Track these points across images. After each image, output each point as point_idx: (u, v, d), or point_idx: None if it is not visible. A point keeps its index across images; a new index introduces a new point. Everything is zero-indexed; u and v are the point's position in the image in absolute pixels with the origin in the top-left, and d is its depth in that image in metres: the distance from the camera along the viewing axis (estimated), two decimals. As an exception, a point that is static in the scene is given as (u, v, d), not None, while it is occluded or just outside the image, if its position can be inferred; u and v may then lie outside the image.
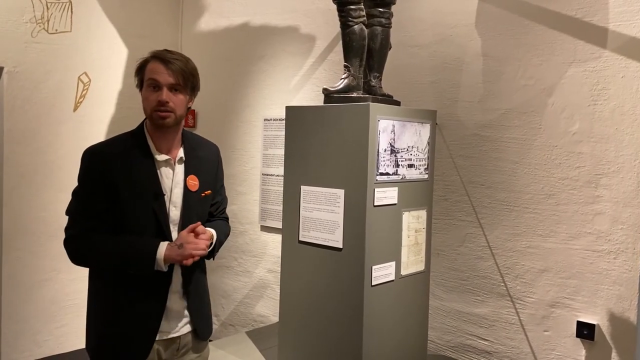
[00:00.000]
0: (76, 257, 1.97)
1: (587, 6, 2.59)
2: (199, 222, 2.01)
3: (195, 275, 2.08)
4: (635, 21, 2.46)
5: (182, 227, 2.01)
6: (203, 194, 2.09)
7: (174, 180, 2.01)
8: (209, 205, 2.18)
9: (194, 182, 2.05)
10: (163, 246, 1.91)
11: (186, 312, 2.05)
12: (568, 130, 2.64)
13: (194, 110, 4.34)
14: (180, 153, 2.05)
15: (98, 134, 3.93)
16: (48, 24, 3.60)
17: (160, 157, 1.99)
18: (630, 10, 2.48)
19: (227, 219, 2.35)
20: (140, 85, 2.00)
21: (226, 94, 4.19)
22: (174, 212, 2.01)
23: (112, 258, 1.91)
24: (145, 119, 2.02)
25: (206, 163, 2.16)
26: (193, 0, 4.41)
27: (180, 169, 2.04)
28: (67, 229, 1.98)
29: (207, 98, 4.25)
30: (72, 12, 3.72)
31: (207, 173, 2.14)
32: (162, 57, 1.95)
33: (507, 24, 2.83)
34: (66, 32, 3.70)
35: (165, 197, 1.98)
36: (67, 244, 1.97)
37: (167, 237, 1.97)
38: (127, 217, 1.91)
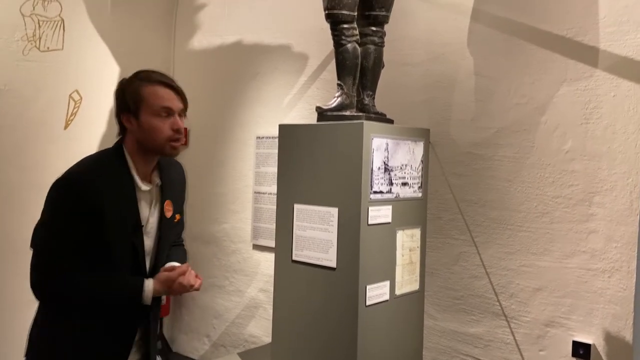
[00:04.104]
0: (57, 299, 1.80)
1: (577, 26, 2.62)
2: (188, 265, 1.97)
3: (155, 322, 2.05)
4: (625, 41, 2.49)
5: (155, 255, 1.97)
6: (175, 220, 2.05)
7: (151, 209, 1.95)
8: (177, 230, 2.15)
9: (169, 208, 1.99)
10: (150, 285, 1.87)
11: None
12: (561, 148, 2.65)
13: (186, 128, 4.31)
14: (157, 178, 1.98)
15: (88, 152, 3.89)
16: (40, 41, 3.59)
17: (144, 187, 1.90)
18: (621, 30, 2.50)
19: (183, 244, 2.31)
20: (132, 111, 1.85)
21: (219, 112, 4.18)
22: (148, 243, 1.94)
23: (99, 298, 1.82)
24: (119, 140, 1.92)
25: (177, 185, 2.10)
26: (186, 19, 4.42)
27: (158, 196, 1.98)
28: (42, 269, 1.75)
29: (200, 116, 4.24)
30: (64, 30, 3.71)
31: (179, 195, 2.10)
32: (168, 82, 1.88)
33: (499, 43, 2.85)
34: (58, 50, 3.69)
35: (143, 227, 1.91)
36: (45, 285, 1.77)
37: (142, 268, 1.91)
38: (106, 251, 1.81)
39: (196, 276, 1.99)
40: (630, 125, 2.47)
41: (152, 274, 1.96)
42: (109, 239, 1.79)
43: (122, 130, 1.93)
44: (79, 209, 1.74)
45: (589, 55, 2.58)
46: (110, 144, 3.78)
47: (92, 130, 3.97)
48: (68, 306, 1.84)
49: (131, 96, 1.84)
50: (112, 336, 1.87)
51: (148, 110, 1.83)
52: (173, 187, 2.05)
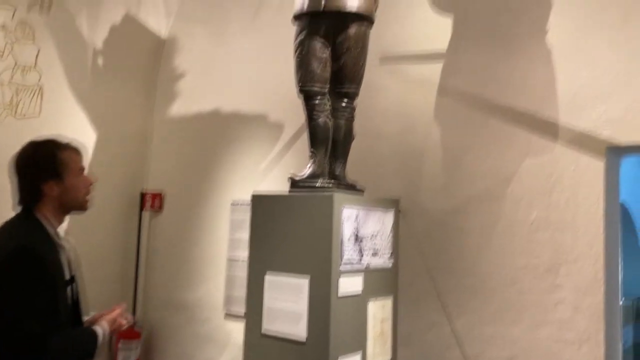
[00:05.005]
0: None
1: (538, 102, 2.76)
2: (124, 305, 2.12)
3: None
4: (582, 117, 2.62)
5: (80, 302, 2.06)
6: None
7: (69, 262, 2.03)
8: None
9: (75, 258, 2.10)
10: (99, 329, 1.98)
11: None
12: (527, 218, 2.72)
13: (160, 193, 4.32)
14: (61, 232, 2.08)
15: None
16: (16, 109, 3.62)
17: (66, 244, 2.01)
18: (578, 106, 2.64)
19: None
20: (58, 176, 1.95)
21: (195, 178, 4.21)
22: (74, 291, 2.03)
23: (75, 354, 1.92)
24: (27, 206, 1.98)
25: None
26: (166, 86, 4.52)
27: (68, 247, 2.08)
28: (29, 351, 1.79)
29: (176, 181, 4.27)
30: (42, 97, 3.76)
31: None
32: (73, 146, 2.05)
33: (465, 116, 2.98)
34: (34, 118, 3.72)
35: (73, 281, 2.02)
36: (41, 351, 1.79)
37: (80, 319, 2.02)
38: (57, 309, 1.87)
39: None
40: (591, 196, 2.56)
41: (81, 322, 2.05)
42: (56, 298, 1.87)
43: (36, 197, 1.99)
44: (36, 278, 1.81)
45: (549, 129, 2.71)
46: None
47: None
48: None
49: (54, 163, 1.97)
50: None
51: (71, 172, 1.99)
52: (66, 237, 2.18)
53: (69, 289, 1.95)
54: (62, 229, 2.06)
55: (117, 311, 2.10)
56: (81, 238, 4.10)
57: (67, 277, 1.96)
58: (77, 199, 2.01)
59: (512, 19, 2.90)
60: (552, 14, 2.79)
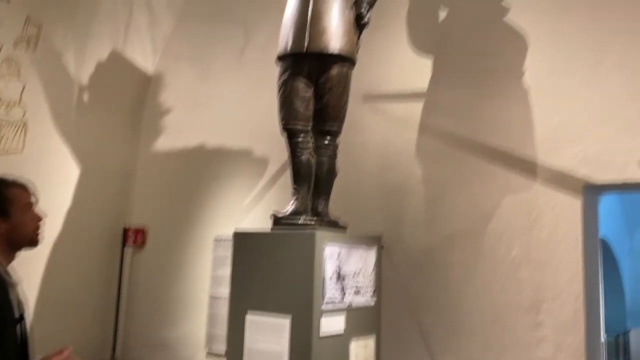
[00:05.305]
0: None
1: (516, 140, 2.82)
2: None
3: None
4: (559, 156, 2.68)
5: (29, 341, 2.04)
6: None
7: (18, 300, 2.02)
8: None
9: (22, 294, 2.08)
10: None
11: None
12: (508, 256, 2.74)
13: (143, 228, 4.29)
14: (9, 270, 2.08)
15: (42, 254, 3.81)
16: (-1, 144, 3.61)
17: (17, 282, 2.00)
18: (555, 145, 2.70)
19: None
20: (3, 212, 1.97)
21: (178, 213, 4.19)
22: (23, 330, 2.01)
23: None
24: None
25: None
26: (152, 121, 4.53)
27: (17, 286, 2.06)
28: None
29: (159, 216, 4.24)
30: (25, 133, 3.75)
31: None
32: (19, 182, 2.08)
33: (445, 153, 3.02)
34: (16, 154, 3.70)
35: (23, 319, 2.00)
36: None
37: (28, 358, 1.99)
38: (5, 348, 1.87)
39: None
40: (570, 234, 2.60)
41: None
42: (5, 337, 1.87)
43: None
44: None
45: (528, 168, 2.76)
46: (62, 246, 3.65)
47: (46, 234, 3.88)
48: None
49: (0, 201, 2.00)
50: None
51: (18, 209, 2.01)
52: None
53: (18, 327, 1.94)
54: (13, 266, 2.05)
55: (65, 353, 2.01)
56: (61, 274, 4.08)
57: (17, 315, 1.95)
58: (26, 235, 2.03)
59: (490, 60, 2.99)
60: (529, 55, 2.88)
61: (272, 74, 2.78)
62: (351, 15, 2.72)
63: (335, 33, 2.63)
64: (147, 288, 4.20)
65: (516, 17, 2.93)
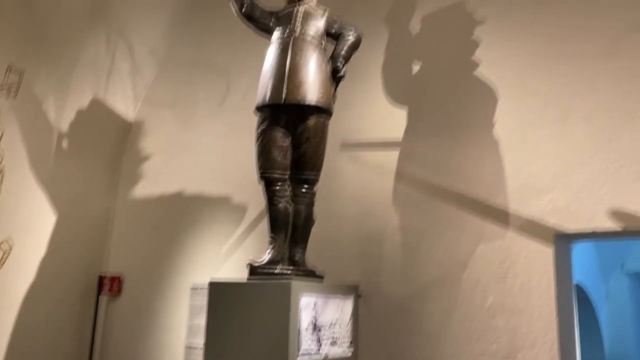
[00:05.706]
0: None
1: (488, 190, 2.88)
2: None
3: None
4: (530, 206, 2.74)
5: None
6: None
7: None
8: None
9: None
10: None
11: None
12: (483, 304, 2.76)
13: (119, 277, 4.22)
14: None
15: (15, 302, 3.72)
16: (-25, 191, 3.58)
17: None
18: (525, 195, 2.77)
19: None
20: None
21: (155, 260, 4.14)
22: None
23: None
24: None
25: None
26: (131, 168, 4.53)
27: None
28: None
29: (136, 264, 4.19)
30: (2, 179, 3.73)
31: None
32: None
33: (421, 201, 3.08)
34: (-7, 199, 3.67)
35: None
36: None
37: None
38: None
39: None
40: (543, 282, 2.64)
41: None
42: None
43: None
44: None
45: (500, 217, 2.82)
46: (39, 293, 3.59)
47: (20, 281, 3.82)
48: None
49: None
50: None
51: None
52: None
53: None
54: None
55: None
56: (34, 322, 3.97)
57: None
58: None
59: (462, 111, 3.09)
60: (499, 107, 2.98)
61: (252, 122, 2.83)
62: (328, 68, 2.81)
63: (312, 85, 2.70)
64: (122, 337, 4.11)
65: (486, 71, 3.05)
